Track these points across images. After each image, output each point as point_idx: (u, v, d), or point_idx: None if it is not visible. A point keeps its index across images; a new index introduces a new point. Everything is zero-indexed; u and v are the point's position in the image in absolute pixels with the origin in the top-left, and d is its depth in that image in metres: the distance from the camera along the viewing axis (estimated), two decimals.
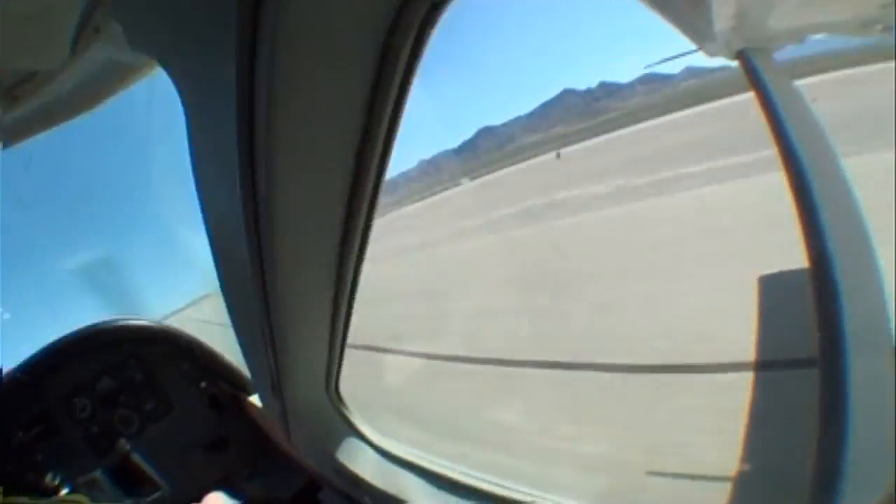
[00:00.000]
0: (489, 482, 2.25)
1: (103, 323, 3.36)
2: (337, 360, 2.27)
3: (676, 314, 7.97)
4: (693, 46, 4.15)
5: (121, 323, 3.38)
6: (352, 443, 2.61)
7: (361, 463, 2.55)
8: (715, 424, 5.08)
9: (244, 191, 1.35)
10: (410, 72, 1.27)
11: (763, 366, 5.71)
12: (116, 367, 3.28)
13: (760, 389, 5.41)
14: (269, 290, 1.66)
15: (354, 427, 2.62)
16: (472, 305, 12.51)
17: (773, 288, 6.49)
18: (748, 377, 5.71)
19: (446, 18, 1.21)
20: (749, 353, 5.83)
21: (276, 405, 2.37)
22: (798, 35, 4.17)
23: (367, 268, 1.79)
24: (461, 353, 9.63)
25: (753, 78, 3.61)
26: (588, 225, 17.04)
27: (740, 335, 6.02)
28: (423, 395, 8.61)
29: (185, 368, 3.38)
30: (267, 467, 3.26)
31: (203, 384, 3.39)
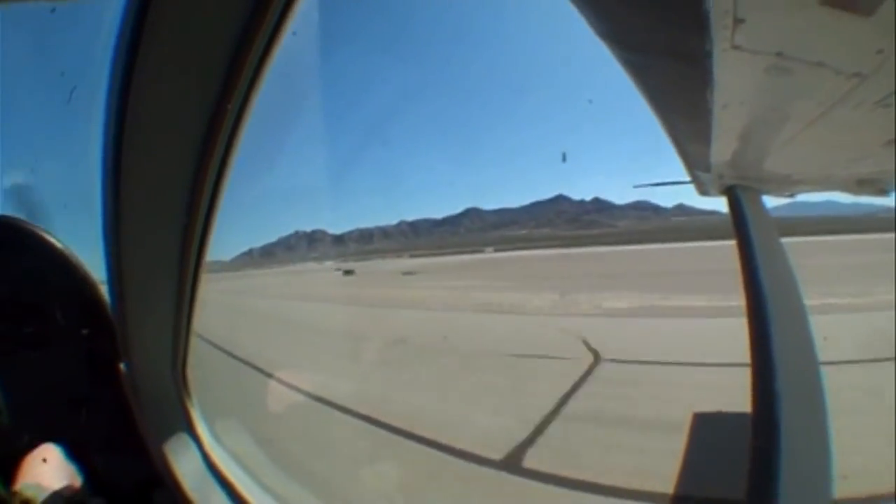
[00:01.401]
0: None
1: (29, 224, 3.14)
2: (183, 343, 2.34)
3: None
4: (686, 178, 4.15)
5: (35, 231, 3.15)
6: (184, 441, 2.54)
7: (186, 467, 2.47)
8: None
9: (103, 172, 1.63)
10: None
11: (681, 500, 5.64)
12: (13, 278, 3.03)
13: None
14: (117, 263, 1.88)
15: (192, 422, 2.56)
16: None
17: (705, 425, 6.44)
18: None
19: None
20: None
21: (128, 380, 2.35)
22: (792, 186, 4.18)
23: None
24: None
25: (737, 216, 3.58)
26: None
27: None
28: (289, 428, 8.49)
29: (73, 310, 3.12)
30: (118, 446, 2.99)
31: (85, 332, 3.11)
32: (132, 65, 1.50)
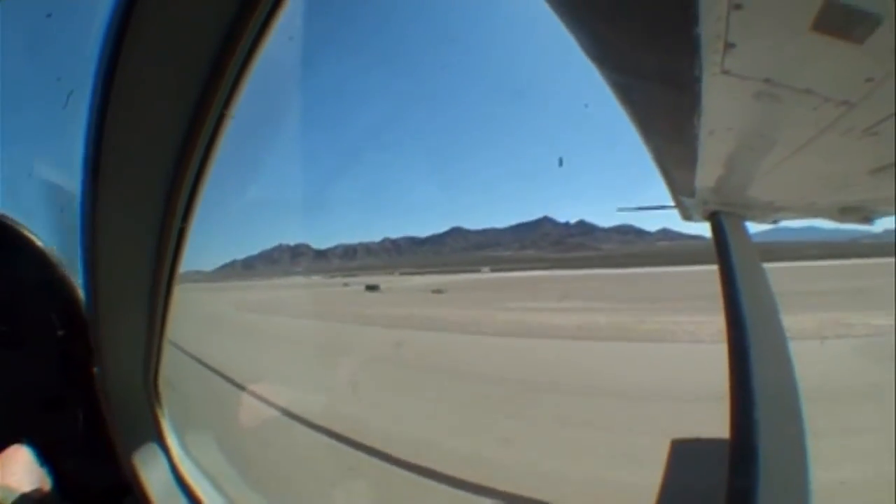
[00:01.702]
0: None
1: (10, 220, 3.06)
2: (155, 353, 2.35)
3: None
4: (670, 202, 4.15)
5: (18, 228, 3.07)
6: (152, 450, 2.51)
7: (154, 477, 2.45)
8: None
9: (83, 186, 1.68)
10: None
11: None
12: None
13: None
14: (92, 268, 1.94)
15: (161, 432, 2.53)
16: None
17: (683, 453, 6.41)
18: None
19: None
20: None
21: (101, 385, 2.35)
22: (776, 213, 4.19)
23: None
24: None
25: (720, 242, 3.58)
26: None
27: None
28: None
29: (50, 310, 3.02)
30: (90, 450, 2.89)
31: (60, 333, 3.00)
32: (113, 69, 1.52)
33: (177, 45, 1.59)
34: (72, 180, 1.90)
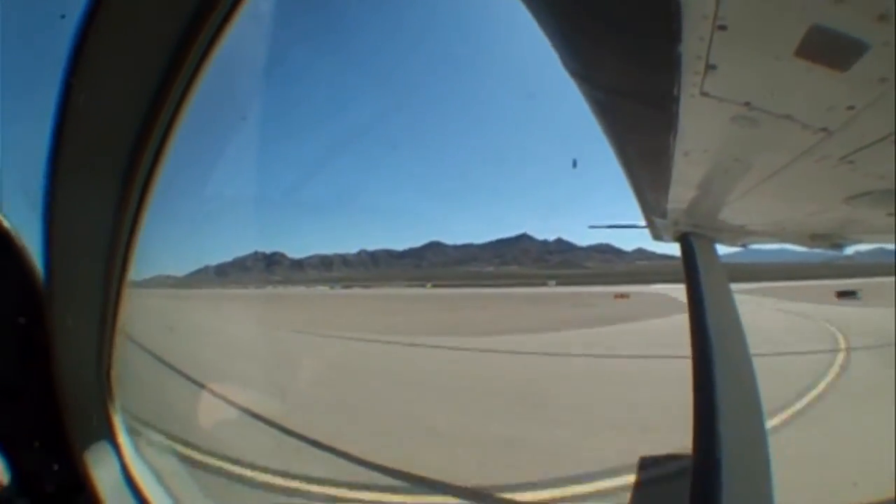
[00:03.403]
0: None
1: None
2: (108, 349, 2.34)
3: None
4: (641, 222, 4.15)
5: None
6: (103, 448, 2.48)
7: (104, 475, 2.42)
8: None
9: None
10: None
11: None
12: None
13: None
14: (49, 259, 2.00)
15: (113, 430, 2.50)
16: None
17: (651, 468, 6.44)
18: None
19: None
20: None
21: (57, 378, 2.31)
22: (746, 237, 4.22)
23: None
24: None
25: (689, 264, 3.57)
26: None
27: None
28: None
29: (11, 297, 2.85)
30: (47, 445, 2.76)
31: (22, 321, 2.83)
32: (76, 64, 1.58)
33: (141, 38, 1.64)
34: (36, 167, 1.90)
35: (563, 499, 6.52)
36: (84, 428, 2.45)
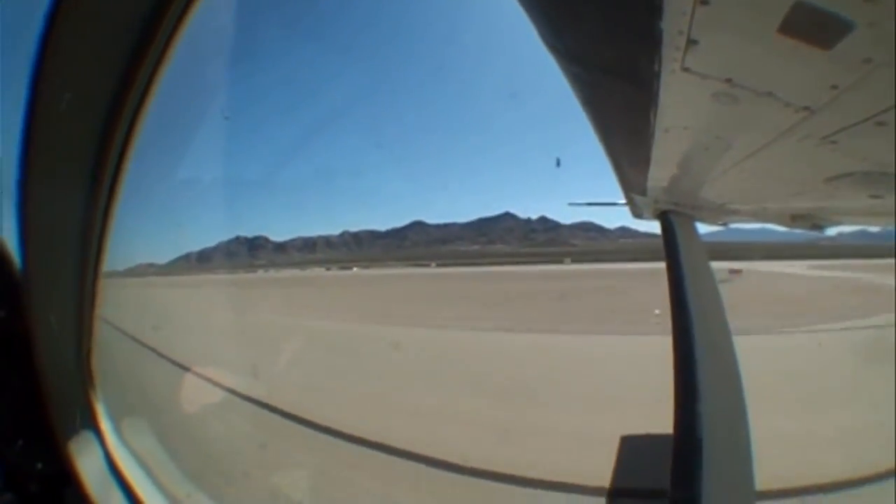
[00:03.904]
0: None
1: None
2: (87, 335, 2.34)
3: None
4: (621, 199, 4.11)
5: None
6: (87, 438, 2.47)
7: (89, 466, 2.42)
8: None
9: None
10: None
11: None
12: None
13: None
14: (24, 251, 1.99)
15: (96, 419, 2.49)
16: None
17: (632, 448, 6.48)
18: None
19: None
20: None
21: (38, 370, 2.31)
22: (727, 216, 4.19)
23: None
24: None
25: (669, 241, 3.55)
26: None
27: None
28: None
29: None
30: (31, 438, 2.72)
31: (1, 314, 2.75)
32: (41, 61, 1.62)
33: (104, 29, 1.70)
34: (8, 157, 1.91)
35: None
36: (67, 419, 2.45)
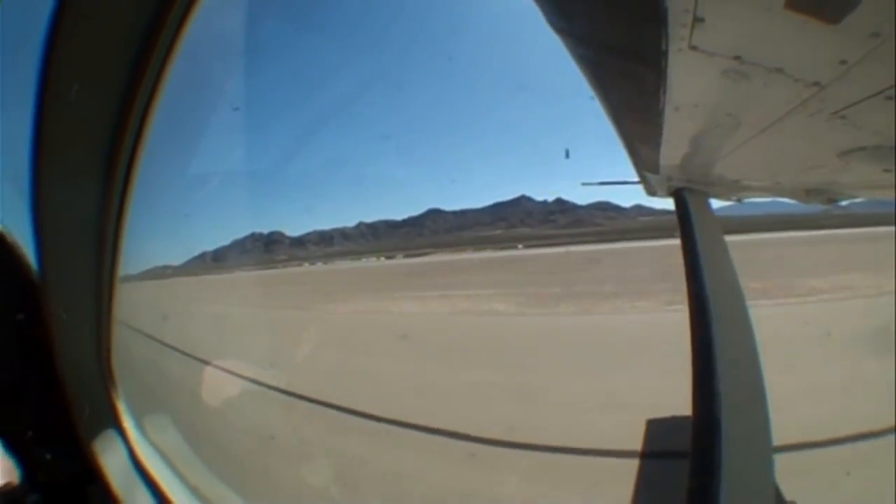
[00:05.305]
0: None
1: None
2: (106, 336, 2.38)
3: None
4: (635, 178, 4.09)
5: None
6: (110, 436, 2.51)
7: (113, 463, 2.45)
8: None
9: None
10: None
11: None
12: None
13: None
14: (41, 253, 2.04)
15: (118, 417, 2.53)
16: None
17: (659, 431, 6.45)
18: None
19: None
20: None
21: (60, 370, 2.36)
22: (740, 191, 4.17)
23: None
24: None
25: (683, 218, 3.54)
26: None
27: None
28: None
29: (8, 295, 2.85)
30: (55, 439, 2.79)
31: (20, 317, 2.83)
32: (49, 62, 1.65)
33: (110, 28, 1.71)
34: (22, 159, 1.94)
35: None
36: (89, 419, 2.49)
